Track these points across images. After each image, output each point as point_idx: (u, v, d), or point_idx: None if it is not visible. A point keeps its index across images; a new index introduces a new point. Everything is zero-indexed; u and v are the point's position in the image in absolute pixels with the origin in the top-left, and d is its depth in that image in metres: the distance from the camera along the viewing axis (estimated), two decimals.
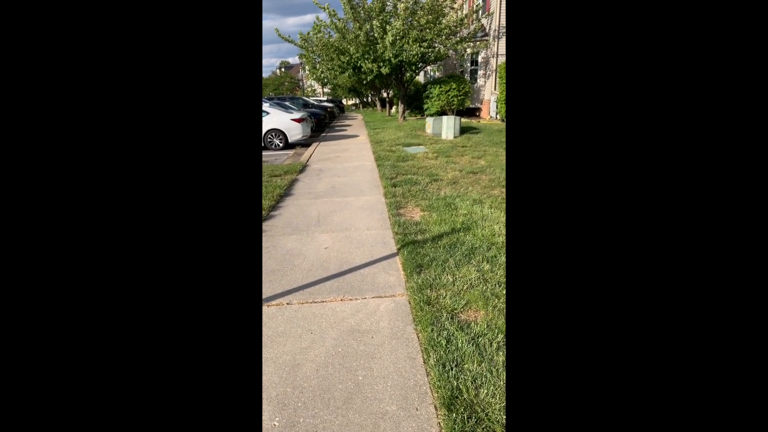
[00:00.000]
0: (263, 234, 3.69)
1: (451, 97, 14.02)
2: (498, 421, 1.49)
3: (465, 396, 1.62)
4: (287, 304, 2.44)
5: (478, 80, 15.79)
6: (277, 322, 2.24)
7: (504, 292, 2.47)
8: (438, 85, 14.29)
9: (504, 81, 12.11)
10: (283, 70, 57.95)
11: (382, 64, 12.74)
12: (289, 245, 3.39)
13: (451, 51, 13.73)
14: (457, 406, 1.56)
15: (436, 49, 13.04)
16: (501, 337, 2.01)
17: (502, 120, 12.72)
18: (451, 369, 1.77)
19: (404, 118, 15.21)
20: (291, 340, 2.07)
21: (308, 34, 14.41)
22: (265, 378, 1.79)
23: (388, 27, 12.12)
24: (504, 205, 4.26)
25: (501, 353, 1.89)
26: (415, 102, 17.00)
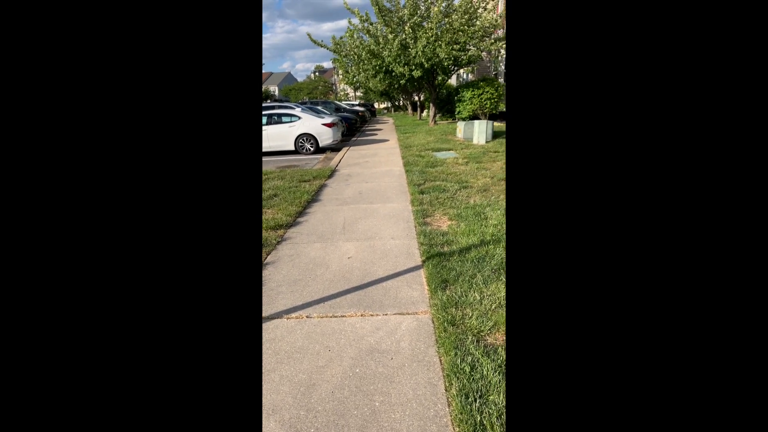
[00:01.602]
0: (287, 242, 3.67)
1: (484, 101, 13.71)
2: None
3: None
4: (307, 317, 2.39)
5: None
6: (295, 337, 2.18)
7: None
8: (470, 89, 14.02)
9: None
10: (317, 74, 59.19)
11: (414, 67, 12.64)
12: (312, 253, 3.35)
13: (484, 53, 13.43)
14: None
15: (470, 51, 12.79)
16: None
17: None
18: (475, 401, 1.64)
19: (435, 122, 15.02)
20: (308, 358, 2.01)
21: (341, 38, 14.55)
22: (279, 398, 1.73)
23: (420, 31, 12.01)
24: None
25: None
26: (446, 105, 16.77)
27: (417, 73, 12.69)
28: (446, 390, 1.74)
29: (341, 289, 2.71)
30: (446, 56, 12.13)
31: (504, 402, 1.63)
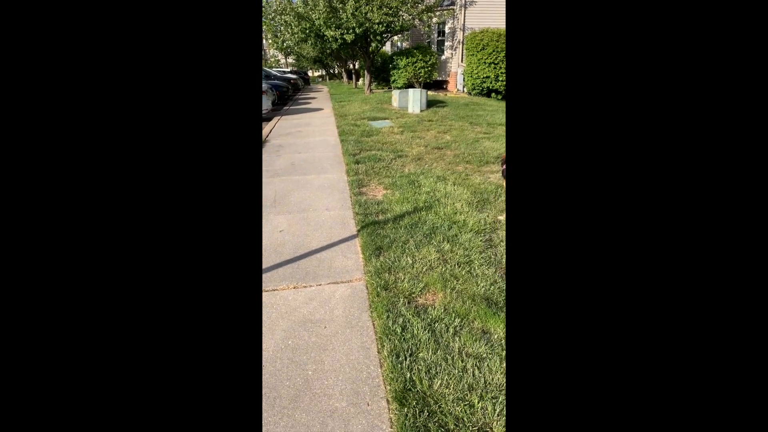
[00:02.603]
0: None
1: (418, 69, 13.70)
2: (451, 413, 1.44)
3: (418, 388, 1.56)
4: None
5: (445, 52, 15.47)
6: None
7: (463, 272, 2.42)
8: (404, 57, 13.89)
9: (470, 53, 11.93)
10: None
11: (345, 31, 12.15)
12: None
13: (417, 20, 13.28)
14: (410, 400, 1.50)
15: (402, 18, 12.56)
16: (458, 321, 1.96)
17: (469, 93, 12.61)
18: (405, 359, 1.70)
19: (371, 90, 14.77)
20: None
21: None
22: None
23: None
24: (467, 181, 4.20)
25: (458, 339, 1.84)
26: (382, 74, 16.51)
27: (349, 37, 12.24)
28: (378, 352, 1.79)
29: (273, 263, 2.62)
30: (378, 21, 11.80)
31: (432, 358, 1.71)
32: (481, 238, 2.91)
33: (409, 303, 2.11)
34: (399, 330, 1.89)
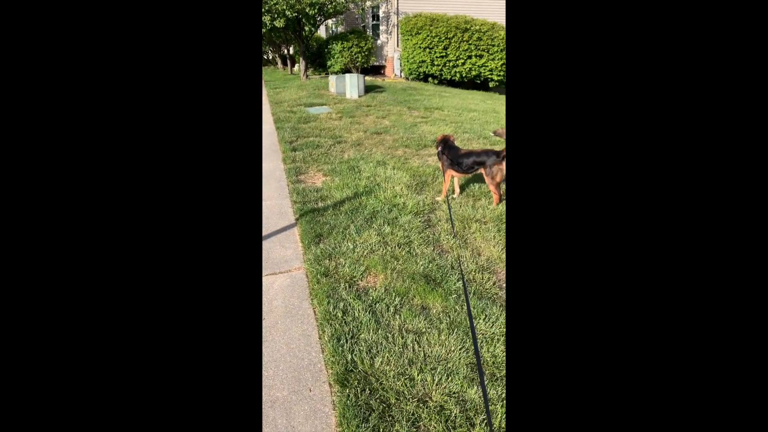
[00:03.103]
0: None
1: (354, 54, 13.51)
2: (392, 389, 1.47)
3: (360, 368, 1.57)
4: None
5: (381, 36, 15.39)
6: None
7: (403, 252, 2.47)
8: (339, 41, 13.60)
9: (405, 38, 11.98)
10: None
11: (276, 16, 11.60)
12: None
13: (350, 3, 13.03)
14: (351, 380, 1.51)
15: (335, 1, 12.25)
16: (398, 300, 2.00)
17: (407, 78, 12.71)
18: (346, 342, 1.70)
19: (307, 76, 14.33)
20: None
21: None
22: None
23: None
24: (407, 164, 4.26)
25: (398, 317, 1.88)
26: (318, 59, 16.06)
27: (280, 23, 11.71)
28: (320, 338, 1.77)
29: None
30: (310, 2, 11.41)
31: (374, 338, 1.73)
32: (420, 219, 2.98)
33: (350, 287, 2.11)
34: (340, 314, 1.88)
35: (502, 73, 11.83)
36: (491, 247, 2.70)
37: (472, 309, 1.98)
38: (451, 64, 11.64)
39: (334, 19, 15.55)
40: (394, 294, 2.04)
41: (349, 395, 1.44)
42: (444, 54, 11.52)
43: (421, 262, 2.37)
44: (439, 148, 3.52)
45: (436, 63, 11.60)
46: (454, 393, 1.47)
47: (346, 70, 13.59)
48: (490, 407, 1.42)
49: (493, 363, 1.65)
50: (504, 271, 2.48)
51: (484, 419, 1.37)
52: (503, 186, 3.47)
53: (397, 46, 13.91)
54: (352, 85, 9.30)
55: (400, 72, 13.29)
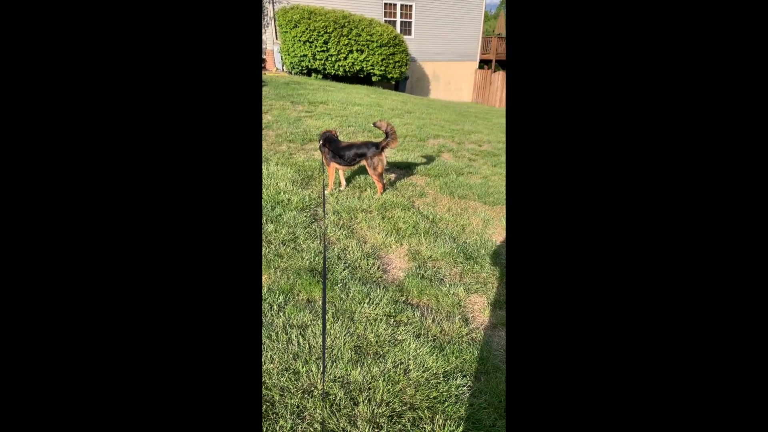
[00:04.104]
0: None
1: None
2: (276, 386, 1.44)
3: None
4: None
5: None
6: None
7: (288, 249, 2.42)
8: None
9: (284, 31, 11.60)
10: None
11: None
12: None
13: None
14: None
15: None
16: (282, 297, 1.96)
17: (290, 72, 12.36)
18: None
19: None
20: None
21: None
22: None
23: None
24: (291, 160, 4.17)
25: (282, 314, 1.84)
26: None
27: None
28: None
29: None
30: None
31: None
32: (306, 214, 2.95)
33: None
34: None
35: (383, 68, 12.29)
36: (376, 235, 2.82)
37: (357, 294, 2.05)
38: (333, 58, 11.66)
39: None
40: (278, 292, 2.00)
41: None
42: (325, 48, 11.48)
43: (307, 257, 2.36)
44: (321, 142, 3.52)
45: (318, 57, 11.50)
46: (339, 378, 1.51)
47: None
48: (373, 384, 1.50)
49: (377, 342, 1.73)
50: (388, 255, 2.61)
51: (367, 396, 1.44)
52: (386, 176, 3.63)
53: (276, 38, 13.39)
54: None
55: (282, 66, 12.85)
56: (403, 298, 2.13)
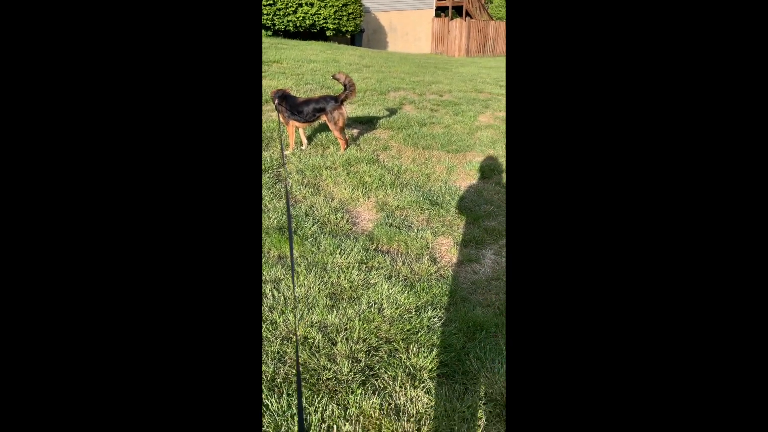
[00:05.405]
0: None
1: None
2: None
3: None
4: None
5: None
6: None
7: None
8: None
9: None
10: None
11: None
12: None
13: None
14: None
15: None
16: None
17: None
18: None
19: None
20: None
21: None
22: None
23: None
24: None
25: None
26: None
27: None
28: None
29: None
30: None
31: None
32: (268, 175, 2.90)
33: None
34: None
35: (337, 22, 11.68)
36: (342, 190, 2.82)
37: (328, 246, 2.09)
38: (282, 12, 10.92)
39: None
40: None
41: None
42: (272, 2, 10.71)
43: (273, 216, 2.35)
44: (276, 101, 3.39)
45: (264, 11, 10.74)
46: (316, 323, 1.57)
47: None
48: (349, 324, 1.57)
49: (350, 287, 1.80)
50: (356, 209, 2.64)
51: (344, 335, 1.51)
52: (348, 131, 3.58)
53: None
54: None
55: None
56: (374, 246, 2.19)
